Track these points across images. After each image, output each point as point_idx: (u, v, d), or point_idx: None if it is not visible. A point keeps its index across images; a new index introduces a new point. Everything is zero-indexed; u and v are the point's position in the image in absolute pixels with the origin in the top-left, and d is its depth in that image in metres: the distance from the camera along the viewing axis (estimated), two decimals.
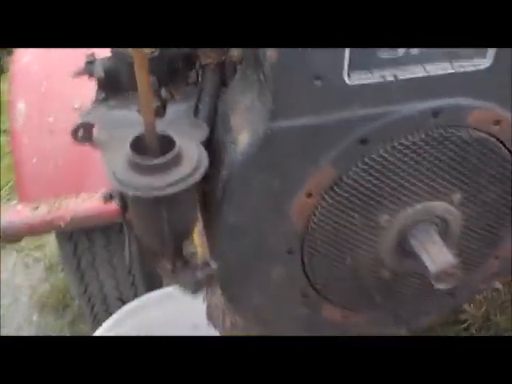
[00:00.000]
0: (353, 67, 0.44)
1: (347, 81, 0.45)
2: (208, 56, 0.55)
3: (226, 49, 0.51)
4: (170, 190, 0.44)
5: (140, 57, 0.41)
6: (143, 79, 0.42)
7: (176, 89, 0.54)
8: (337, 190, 0.51)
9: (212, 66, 0.55)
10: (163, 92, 0.54)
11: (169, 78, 0.54)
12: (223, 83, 0.58)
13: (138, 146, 0.46)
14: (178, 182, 0.44)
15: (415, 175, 0.51)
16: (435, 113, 0.48)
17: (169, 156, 0.44)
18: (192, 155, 0.46)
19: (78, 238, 1.04)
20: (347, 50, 0.43)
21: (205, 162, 0.46)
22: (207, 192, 0.54)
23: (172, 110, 0.53)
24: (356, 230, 0.53)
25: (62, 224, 0.97)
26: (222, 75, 0.56)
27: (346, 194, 0.51)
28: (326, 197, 0.51)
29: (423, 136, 0.49)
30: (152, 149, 0.45)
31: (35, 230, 0.96)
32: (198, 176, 0.45)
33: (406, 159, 0.50)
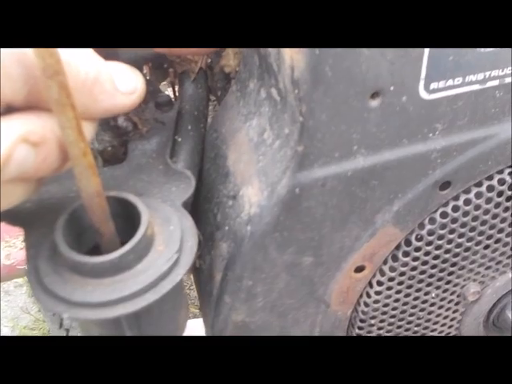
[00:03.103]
0: (435, 72, 0.25)
1: (424, 95, 0.26)
2: (186, 60, 0.36)
3: (211, 51, 0.33)
4: (133, 307, 0.25)
5: (54, 67, 0.21)
6: (65, 106, 0.22)
7: (141, 114, 0.35)
8: (402, 258, 0.32)
9: (193, 76, 0.36)
10: (121, 121, 0.35)
11: None
12: (212, 98, 0.40)
13: (78, 227, 0.28)
14: (145, 290, 0.26)
15: None
16: None
17: (129, 246, 0.26)
18: (171, 233, 0.28)
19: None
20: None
21: (193, 245, 0.28)
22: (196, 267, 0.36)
23: (136, 149, 0.34)
24: (429, 310, 0.36)
25: None
26: (208, 87, 0.38)
27: (415, 263, 0.33)
28: (385, 269, 0.33)
29: None
30: (100, 230, 0.27)
31: None
32: (181, 272, 0.27)
33: (508, 203, 0.32)
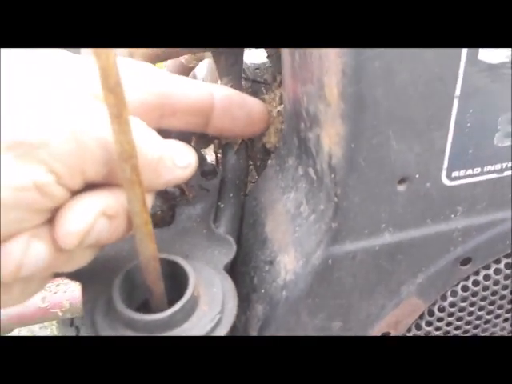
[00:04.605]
0: (456, 163, 0.29)
1: (446, 182, 0.29)
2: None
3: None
4: None
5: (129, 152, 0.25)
6: (134, 183, 0.26)
7: (187, 182, 0.39)
8: (425, 327, 0.35)
9: (236, 147, 0.40)
10: (170, 187, 0.39)
11: None
12: (251, 168, 0.43)
13: (130, 285, 0.31)
14: None
15: None
16: None
17: (179, 305, 0.29)
18: (214, 295, 0.31)
19: (79, 323, 0.89)
20: (449, 140, 0.28)
21: (233, 307, 0.31)
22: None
23: (183, 213, 0.38)
24: None
25: (60, 312, 0.82)
26: (249, 157, 0.42)
27: (438, 333, 0.35)
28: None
29: None
30: (151, 288, 0.30)
31: (28, 321, 0.82)
32: (222, 331, 0.30)
33: None
